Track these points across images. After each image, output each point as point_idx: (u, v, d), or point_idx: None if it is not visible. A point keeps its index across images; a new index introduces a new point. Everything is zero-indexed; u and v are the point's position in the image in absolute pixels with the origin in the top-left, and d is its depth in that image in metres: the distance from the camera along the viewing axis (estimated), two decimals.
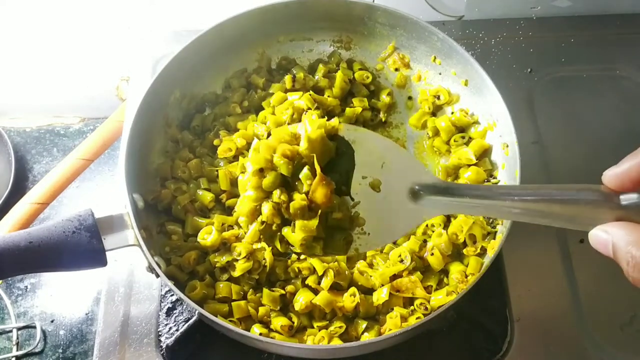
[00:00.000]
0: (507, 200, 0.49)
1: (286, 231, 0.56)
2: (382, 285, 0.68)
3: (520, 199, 0.49)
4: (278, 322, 0.66)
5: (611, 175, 0.41)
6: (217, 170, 0.75)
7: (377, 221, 0.57)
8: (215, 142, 0.77)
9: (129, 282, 0.75)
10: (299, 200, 0.54)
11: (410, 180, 0.56)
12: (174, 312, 0.72)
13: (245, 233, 0.69)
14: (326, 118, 0.57)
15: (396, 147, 0.60)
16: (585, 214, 0.43)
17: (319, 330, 0.66)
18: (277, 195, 0.54)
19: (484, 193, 0.53)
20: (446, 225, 0.71)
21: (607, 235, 0.40)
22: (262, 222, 0.56)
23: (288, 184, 0.55)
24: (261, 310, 0.67)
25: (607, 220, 0.41)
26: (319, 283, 0.68)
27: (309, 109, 0.75)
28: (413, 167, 0.58)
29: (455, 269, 0.69)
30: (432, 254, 0.69)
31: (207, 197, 0.74)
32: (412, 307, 0.67)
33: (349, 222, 0.57)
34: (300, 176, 0.54)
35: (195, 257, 0.69)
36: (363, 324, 0.67)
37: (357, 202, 0.57)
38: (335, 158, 0.56)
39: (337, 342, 0.64)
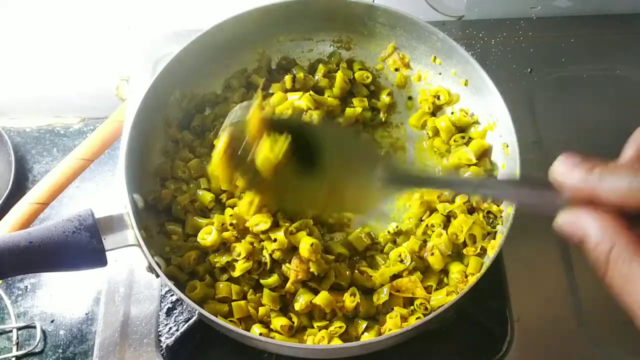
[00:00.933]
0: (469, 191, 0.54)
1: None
2: (382, 285, 0.68)
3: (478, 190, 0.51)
4: (278, 322, 0.66)
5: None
6: None
7: (349, 196, 0.59)
8: (216, 142, 0.77)
9: (129, 282, 0.75)
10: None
11: (373, 168, 0.57)
12: (174, 312, 0.72)
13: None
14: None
15: (353, 134, 0.65)
16: (551, 199, 0.38)
17: (319, 330, 0.66)
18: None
19: (446, 183, 0.55)
20: (446, 225, 0.72)
21: (575, 226, 0.36)
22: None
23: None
24: (261, 310, 0.67)
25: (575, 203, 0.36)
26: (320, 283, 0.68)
27: (309, 109, 0.75)
28: (373, 156, 0.59)
29: (455, 269, 0.69)
30: (432, 254, 0.69)
31: (207, 197, 0.74)
32: (412, 307, 0.67)
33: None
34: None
35: (195, 257, 0.69)
36: (363, 324, 0.67)
37: (330, 178, 0.58)
38: (296, 140, 0.57)
39: (337, 342, 0.64)
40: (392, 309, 0.67)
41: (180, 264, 0.69)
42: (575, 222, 0.35)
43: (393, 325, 0.65)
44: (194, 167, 0.76)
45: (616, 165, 0.35)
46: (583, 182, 0.35)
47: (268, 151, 0.56)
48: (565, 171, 0.36)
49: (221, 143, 0.59)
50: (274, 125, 0.57)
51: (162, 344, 0.70)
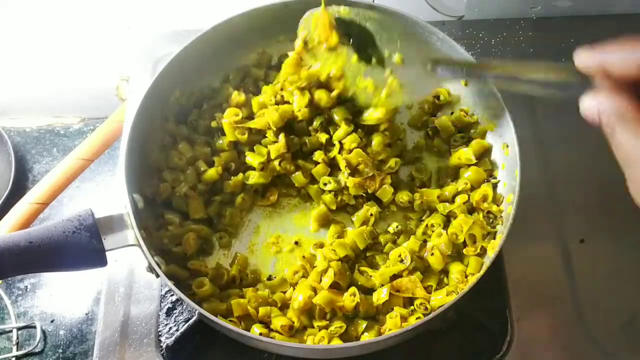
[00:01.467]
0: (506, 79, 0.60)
1: None
2: (382, 285, 0.68)
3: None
4: (278, 322, 0.66)
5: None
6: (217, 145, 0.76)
7: (402, 84, 0.69)
8: (213, 123, 0.77)
9: (129, 282, 0.75)
10: None
11: (425, 56, 0.67)
12: (174, 312, 0.72)
13: None
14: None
15: (411, 21, 0.75)
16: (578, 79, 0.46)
17: (319, 330, 0.66)
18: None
19: (481, 68, 0.63)
20: (446, 225, 0.72)
21: (593, 106, 0.43)
22: None
23: None
24: (261, 310, 0.67)
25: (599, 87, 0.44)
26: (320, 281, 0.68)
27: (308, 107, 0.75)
28: (426, 43, 0.71)
29: (455, 269, 0.69)
30: (432, 254, 0.69)
31: (212, 172, 0.73)
32: (412, 307, 0.67)
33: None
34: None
35: (194, 237, 0.69)
36: (363, 324, 0.67)
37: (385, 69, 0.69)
38: (352, 32, 0.69)
39: (337, 342, 0.64)
40: (392, 309, 0.67)
41: (181, 252, 0.69)
42: (593, 101, 0.43)
43: (393, 325, 0.65)
44: (186, 150, 0.75)
45: (623, 42, 0.42)
46: (597, 58, 0.43)
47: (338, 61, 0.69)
48: (584, 53, 0.45)
49: (299, 39, 0.70)
50: (339, 23, 0.69)
51: (162, 344, 0.70)
